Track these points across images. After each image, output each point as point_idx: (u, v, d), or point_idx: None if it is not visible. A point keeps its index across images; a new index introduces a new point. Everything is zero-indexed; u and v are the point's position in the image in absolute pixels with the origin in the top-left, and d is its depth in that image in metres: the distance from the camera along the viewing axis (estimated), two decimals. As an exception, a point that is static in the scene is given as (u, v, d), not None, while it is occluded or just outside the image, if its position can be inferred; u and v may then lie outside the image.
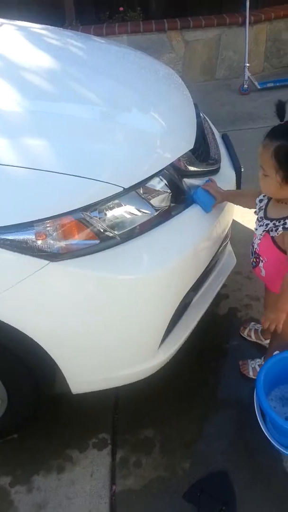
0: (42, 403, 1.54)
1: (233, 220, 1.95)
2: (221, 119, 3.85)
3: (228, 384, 1.84)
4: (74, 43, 1.93)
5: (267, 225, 1.45)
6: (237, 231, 2.38)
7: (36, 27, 2.11)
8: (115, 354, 1.41)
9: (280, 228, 1.39)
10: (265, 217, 1.49)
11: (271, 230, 1.43)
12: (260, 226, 1.49)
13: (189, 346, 1.64)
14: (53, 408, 1.72)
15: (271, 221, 1.44)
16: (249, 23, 4.28)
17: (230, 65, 4.72)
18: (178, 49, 4.45)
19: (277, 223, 1.41)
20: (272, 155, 1.30)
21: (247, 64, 4.34)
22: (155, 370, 1.54)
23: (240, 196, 1.68)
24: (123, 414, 1.73)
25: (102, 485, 1.52)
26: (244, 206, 1.65)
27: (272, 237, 1.44)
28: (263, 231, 1.46)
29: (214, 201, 1.54)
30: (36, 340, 1.25)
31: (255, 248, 1.55)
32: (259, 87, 4.43)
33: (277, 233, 1.41)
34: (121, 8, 4.51)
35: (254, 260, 1.58)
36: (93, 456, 1.60)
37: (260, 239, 1.50)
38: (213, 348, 1.98)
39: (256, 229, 1.51)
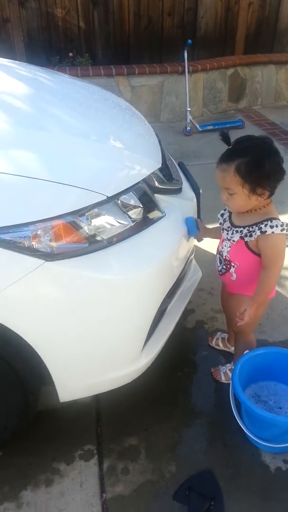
0: (29, 416, 1.54)
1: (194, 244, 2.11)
2: (171, 157, 4.13)
3: (202, 391, 1.92)
4: (51, 78, 2.10)
5: (241, 231, 1.59)
6: (196, 253, 2.54)
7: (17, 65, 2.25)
8: (103, 356, 1.47)
9: (258, 232, 1.53)
10: (234, 225, 1.64)
11: (246, 236, 1.57)
12: (232, 234, 1.62)
13: (163, 358, 1.72)
14: (37, 425, 1.71)
15: (244, 228, 1.58)
16: (188, 72, 4.69)
17: (173, 109, 5.10)
18: (125, 93, 4.77)
19: (251, 229, 1.56)
20: (235, 173, 1.47)
21: (189, 109, 4.71)
22: (139, 373, 1.60)
23: (216, 231, 1.82)
24: (106, 425, 1.75)
25: (92, 494, 1.53)
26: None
27: (246, 242, 1.58)
28: (239, 237, 1.59)
29: (197, 231, 1.77)
30: (27, 341, 1.30)
31: (225, 256, 1.68)
32: (200, 129, 4.79)
33: (253, 238, 1.55)
34: (70, 54, 4.79)
35: (224, 267, 1.71)
36: (80, 467, 1.60)
37: (230, 246, 1.65)
38: (185, 359, 2.08)
39: (229, 238, 1.64)
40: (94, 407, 1.81)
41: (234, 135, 1.57)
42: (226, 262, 1.68)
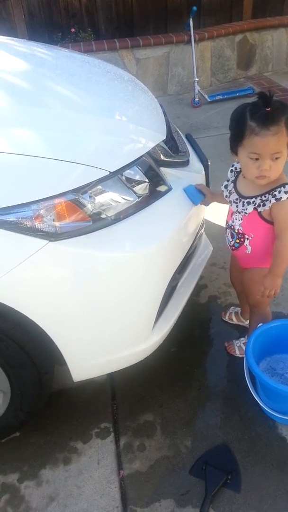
0: (44, 396, 1.55)
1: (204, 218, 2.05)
2: (178, 129, 4.04)
3: (217, 365, 1.91)
4: (50, 53, 2.04)
5: (254, 202, 1.52)
6: (207, 227, 2.50)
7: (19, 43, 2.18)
8: (113, 335, 1.46)
9: (272, 200, 1.47)
10: (243, 196, 1.57)
11: (259, 206, 1.51)
12: (244, 205, 1.55)
13: (176, 334, 1.71)
14: (53, 405, 1.73)
15: (256, 198, 1.52)
16: (194, 41, 4.53)
17: (180, 81, 4.96)
18: (130, 67, 4.64)
19: (264, 198, 1.49)
20: (286, 132, 1.37)
21: (197, 79, 4.57)
22: (151, 351, 1.59)
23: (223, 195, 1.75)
24: (121, 403, 1.76)
25: (110, 471, 1.54)
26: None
27: (259, 212, 1.53)
28: (253, 208, 1.52)
29: (203, 197, 1.68)
30: (37, 322, 1.29)
31: (237, 229, 1.62)
32: (209, 100, 4.66)
33: (267, 207, 1.49)
34: (72, 30, 4.67)
35: (237, 241, 1.64)
36: (97, 445, 1.62)
37: (242, 218, 1.59)
38: (198, 334, 2.06)
39: (240, 211, 1.57)
40: (109, 385, 1.82)
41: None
42: (240, 236, 1.63)
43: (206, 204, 1.75)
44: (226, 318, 2.11)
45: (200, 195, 1.68)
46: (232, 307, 2.14)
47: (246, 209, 1.55)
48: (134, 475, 1.53)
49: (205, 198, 1.69)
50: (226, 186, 1.67)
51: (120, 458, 1.58)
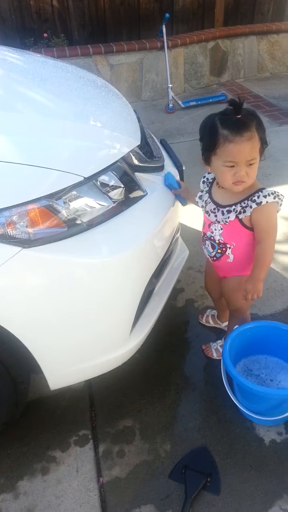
0: (21, 406, 1.53)
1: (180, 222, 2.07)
2: (153, 135, 4.06)
3: (194, 368, 1.92)
4: (22, 58, 2.02)
5: (234, 210, 1.52)
6: (183, 231, 2.52)
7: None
8: (90, 341, 1.45)
9: (253, 205, 1.48)
10: (221, 206, 1.57)
11: (240, 213, 1.51)
12: (223, 214, 1.55)
13: (154, 339, 1.71)
14: (30, 414, 1.70)
15: (236, 205, 1.52)
16: (167, 47, 4.58)
17: (154, 87, 4.99)
18: (104, 73, 4.65)
19: (243, 204, 1.50)
20: (258, 138, 1.41)
21: (170, 85, 4.62)
22: (129, 356, 1.59)
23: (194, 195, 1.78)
24: (100, 409, 1.75)
25: (89, 479, 1.52)
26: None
27: (240, 220, 1.53)
28: (235, 216, 1.52)
29: (177, 187, 1.73)
30: (11, 331, 1.27)
31: (218, 239, 1.61)
32: (183, 105, 4.71)
33: (248, 213, 1.49)
34: (45, 35, 4.65)
35: (219, 251, 1.64)
36: (76, 453, 1.60)
37: (222, 228, 1.58)
38: (176, 338, 2.06)
39: (220, 220, 1.57)
40: (87, 392, 1.80)
41: (218, 109, 1.50)
42: (221, 246, 1.62)
43: (180, 198, 1.77)
44: (203, 321, 2.12)
45: (176, 184, 1.73)
46: (208, 310, 2.15)
47: (228, 217, 1.54)
48: (113, 482, 1.51)
49: (179, 189, 1.73)
50: (201, 197, 1.68)
51: (99, 465, 1.57)
